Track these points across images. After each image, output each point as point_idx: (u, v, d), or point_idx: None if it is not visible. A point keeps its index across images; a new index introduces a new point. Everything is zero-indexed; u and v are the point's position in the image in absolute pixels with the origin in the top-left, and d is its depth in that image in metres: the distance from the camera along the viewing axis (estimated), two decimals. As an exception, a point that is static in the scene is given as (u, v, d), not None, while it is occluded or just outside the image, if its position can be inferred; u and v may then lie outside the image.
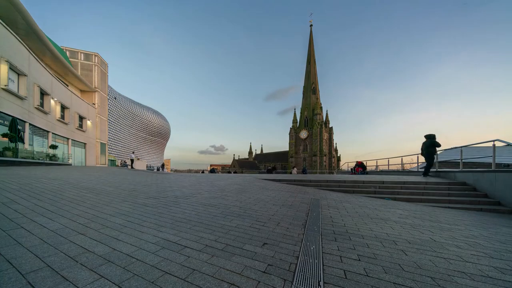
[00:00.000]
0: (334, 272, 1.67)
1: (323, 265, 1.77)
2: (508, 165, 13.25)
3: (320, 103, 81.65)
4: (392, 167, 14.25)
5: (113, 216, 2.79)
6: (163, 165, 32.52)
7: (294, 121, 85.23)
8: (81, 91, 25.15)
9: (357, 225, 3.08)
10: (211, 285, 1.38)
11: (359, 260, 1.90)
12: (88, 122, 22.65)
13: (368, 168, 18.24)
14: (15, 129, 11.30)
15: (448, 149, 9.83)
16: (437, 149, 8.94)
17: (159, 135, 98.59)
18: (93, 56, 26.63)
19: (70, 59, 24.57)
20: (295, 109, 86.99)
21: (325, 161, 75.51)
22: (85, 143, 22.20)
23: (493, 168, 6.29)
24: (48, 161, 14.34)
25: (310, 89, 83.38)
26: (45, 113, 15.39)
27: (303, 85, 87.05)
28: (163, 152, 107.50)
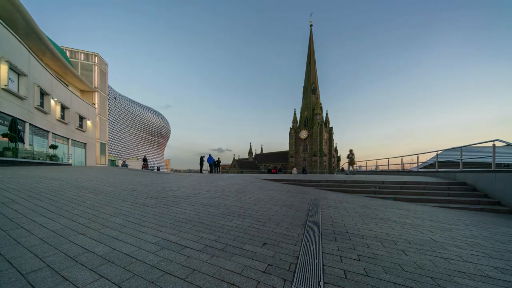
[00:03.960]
0: (334, 272, 1.67)
1: (323, 265, 1.77)
2: (508, 165, 13.26)
3: (320, 103, 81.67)
4: (392, 167, 14.27)
5: (113, 216, 2.79)
6: (158, 168, 32.88)
7: (294, 121, 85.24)
8: (81, 91, 25.15)
9: (357, 225, 3.08)
10: (211, 285, 1.38)
11: (359, 260, 1.90)
12: (88, 122, 22.64)
13: (368, 168, 18.27)
14: (15, 129, 11.30)
15: (448, 149, 9.83)
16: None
17: (159, 135, 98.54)
18: (93, 56, 26.61)
19: (70, 59, 24.57)
20: (295, 109, 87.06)
21: (325, 161, 75.53)
22: (85, 143, 22.18)
23: (493, 168, 6.29)
24: (48, 161, 14.33)
25: (310, 89, 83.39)
26: (45, 113, 15.38)
27: (303, 85, 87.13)
28: (163, 152, 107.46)
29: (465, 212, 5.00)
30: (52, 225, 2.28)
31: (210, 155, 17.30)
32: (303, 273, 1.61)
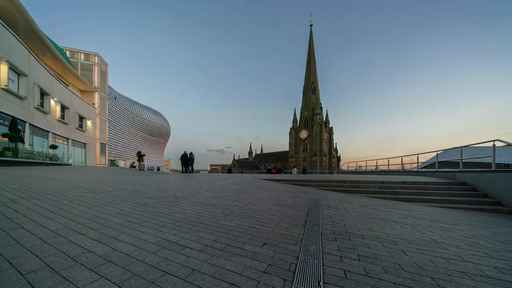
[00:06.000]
0: (334, 272, 1.67)
1: (323, 265, 1.77)
2: (508, 165, 13.25)
3: (320, 103, 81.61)
4: (392, 167, 14.26)
5: (113, 216, 2.79)
6: (158, 168, 33.07)
7: (294, 121, 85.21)
8: (81, 91, 25.14)
9: (357, 225, 3.08)
10: (211, 285, 1.38)
11: (359, 260, 1.90)
12: (88, 122, 22.63)
13: (368, 168, 18.27)
14: (15, 129, 11.29)
15: (448, 149, 9.83)
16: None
17: (159, 135, 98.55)
18: (93, 56, 26.60)
19: (70, 59, 24.56)
20: (295, 109, 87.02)
21: (325, 161, 75.50)
22: (85, 143, 22.18)
23: (493, 168, 6.29)
24: (48, 161, 14.33)
25: (310, 89, 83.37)
26: (45, 113, 15.38)
27: (303, 85, 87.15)
28: (163, 152, 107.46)
29: (465, 212, 5.00)
30: (52, 225, 2.28)
31: (185, 151, 15.18)
32: (303, 273, 1.61)
